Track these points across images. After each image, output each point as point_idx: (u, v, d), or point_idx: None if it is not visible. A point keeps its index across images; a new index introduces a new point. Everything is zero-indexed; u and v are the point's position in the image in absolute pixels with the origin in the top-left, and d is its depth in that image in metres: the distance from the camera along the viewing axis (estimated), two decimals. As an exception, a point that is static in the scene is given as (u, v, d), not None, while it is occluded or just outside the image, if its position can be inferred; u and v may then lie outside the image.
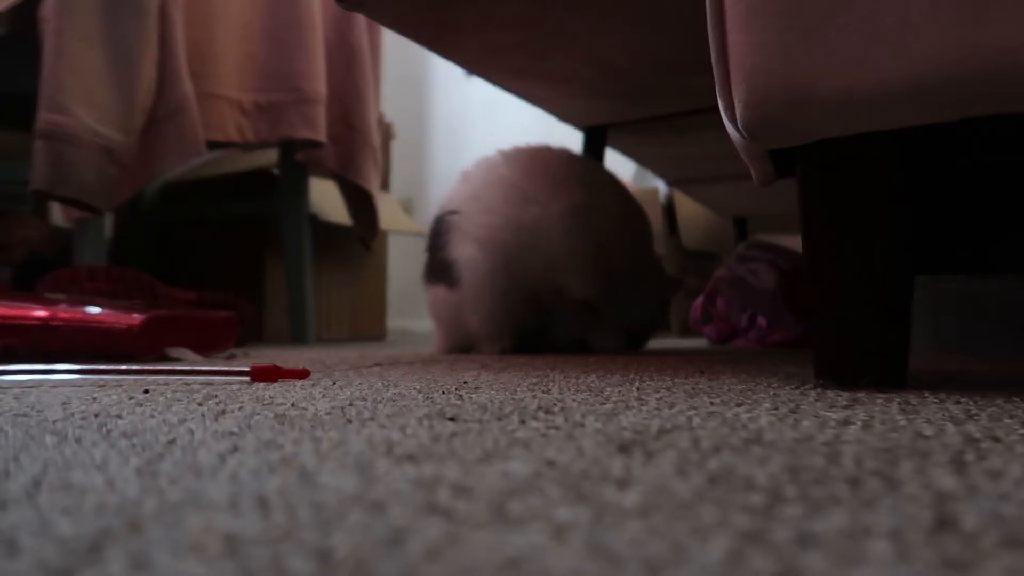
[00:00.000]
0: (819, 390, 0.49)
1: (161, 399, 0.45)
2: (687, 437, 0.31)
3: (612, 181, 1.15)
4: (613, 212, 1.09)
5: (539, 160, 1.09)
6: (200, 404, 0.43)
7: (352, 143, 1.56)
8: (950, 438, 0.31)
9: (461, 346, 1.08)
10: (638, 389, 0.51)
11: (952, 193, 0.60)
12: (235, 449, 0.29)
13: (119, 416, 0.38)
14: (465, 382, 0.56)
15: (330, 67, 1.49)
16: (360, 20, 1.53)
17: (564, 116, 1.34)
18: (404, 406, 0.42)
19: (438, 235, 1.07)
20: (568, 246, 1.03)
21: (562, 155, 1.12)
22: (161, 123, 1.23)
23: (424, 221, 2.34)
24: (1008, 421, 0.36)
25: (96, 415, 0.39)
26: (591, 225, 1.04)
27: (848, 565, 0.16)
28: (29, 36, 1.20)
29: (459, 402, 0.43)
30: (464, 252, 1.03)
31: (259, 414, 0.39)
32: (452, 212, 1.05)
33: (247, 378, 0.56)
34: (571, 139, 1.25)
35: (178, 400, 0.45)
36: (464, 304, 1.03)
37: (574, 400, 0.44)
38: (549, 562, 0.16)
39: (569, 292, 1.05)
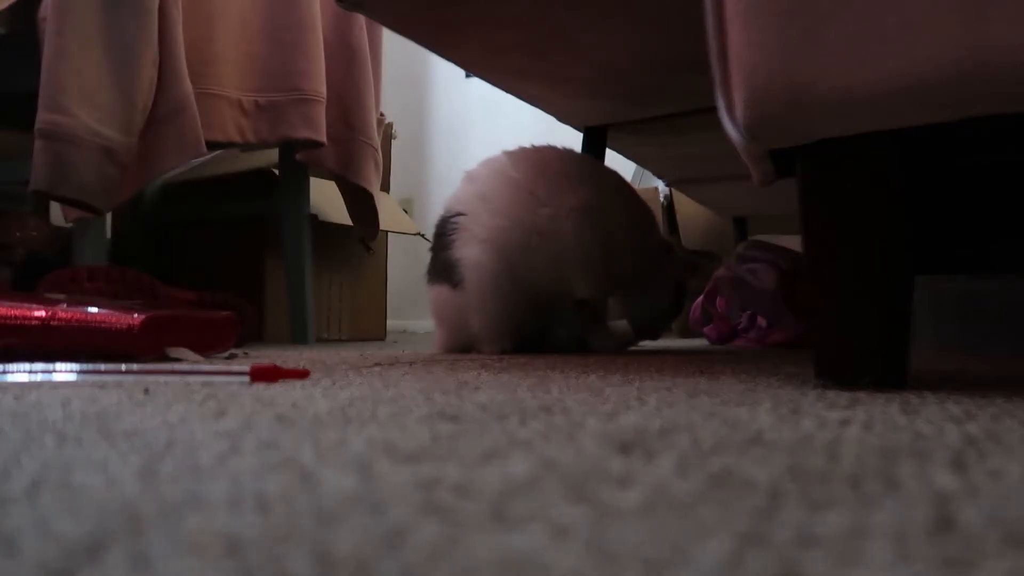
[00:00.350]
0: (819, 390, 0.49)
1: (161, 399, 0.45)
2: (687, 437, 0.31)
3: (617, 180, 1.15)
4: (619, 212, 1.09)
5: (546, 160, 1.10)
6: (200, 404, 0.43)
7: (352, 143, 1.56)
8: (950, 438, 0.31)
9: (462, 346, 1.08)
10: (638, 389, 0.51)
11: (952, 193, 0.60)
12: (235, 449, 0.29)
13: (119, 416, 0.38)
14: (465, 382, 0.56)
15: (330, 67, 1.49)
16: (360, 20, 1.53)
17: (564, 116, 1.34)
18: (404, 406, 0.42)
19: (443, 235, 1.07)
20: (577, 246, 1.04)
21: (568, 155, 1.13)
22: (161, 123, 1.22)
23: (424, 221, 2.33)
24: (1008, 421, 0.36)
25: (96, 415, 0.39)
26: (598, 225, 1.05)
27: (848, 565, 0.16)
28: (28, 36, 1.20)
29: (459, 402, 0.43)
30: (469, 253, 1.03)
31: (259, 414, 0.39)
32: (458, 214, 1.05)
33: (247, 378, 0.56)
34: (571, 139, 1.25)
35: (178, 400, 0.45)
36: (467, 305, 1.03)
37: (574, 400, 0.44)
38: (549, 562, 0.16)
39: (573, 292, 1.06)
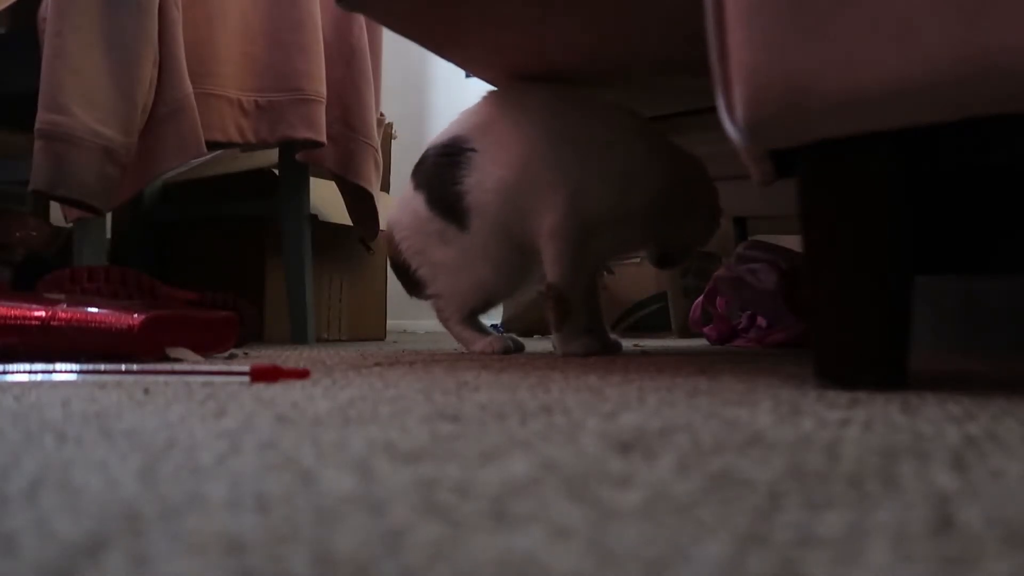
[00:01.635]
0: (819, 390, 0.49)
1: (161, 399, 0.45)
2: (687, 437, 0.31)
3: (650, 152, 1.00)
4: (628, 199, 0.96)
5: (574, 118, 0.99)
6: (200, 404, 0.43)
7: (352, 143, 1.56)
8: (950, 438, 0.31)
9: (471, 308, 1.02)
10: (638, 389, 0.51)
11: (953, 193, 0.60)
12: (235, 449, 0.29)
13: (119, 416, 0.38)
14: (465, 382, 0.56)
15: (330, 67, 1.49)
16: (360, 20, 1.53)
17: (564, 116, 1.34)
18: (404, 406, 0.42)
19: (452, 167, 0.99)
20: (557, 229, 0.95)
21: (603, 117, 1.01)
22: (161, 123, 1.22)
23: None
24: (1008, 421, 0.36)
25: (96, 415, 0.39)
26: (592, 215, 0.95)
27: (848, 565, 0.16)
28: (29, 36, 1.20)
29: (459, 402, 0.43)
30: (478, 197, 0.97)
31: (259, 414, 0.38)
32: (470, 149, 0.99)
33: (247, 378, 0.56)
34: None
35: (178, 400, 0.45)
36: (472, 250, 0.98)
37: (574, 400, 0.44)
38: (549, 562, 0.16)
39: (544, 271, 0.97)
